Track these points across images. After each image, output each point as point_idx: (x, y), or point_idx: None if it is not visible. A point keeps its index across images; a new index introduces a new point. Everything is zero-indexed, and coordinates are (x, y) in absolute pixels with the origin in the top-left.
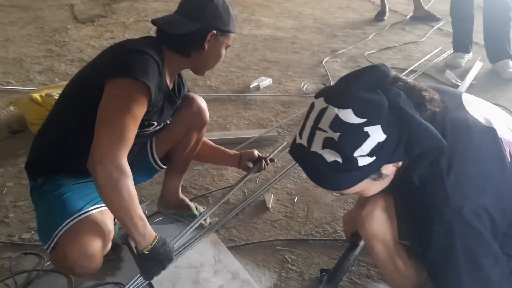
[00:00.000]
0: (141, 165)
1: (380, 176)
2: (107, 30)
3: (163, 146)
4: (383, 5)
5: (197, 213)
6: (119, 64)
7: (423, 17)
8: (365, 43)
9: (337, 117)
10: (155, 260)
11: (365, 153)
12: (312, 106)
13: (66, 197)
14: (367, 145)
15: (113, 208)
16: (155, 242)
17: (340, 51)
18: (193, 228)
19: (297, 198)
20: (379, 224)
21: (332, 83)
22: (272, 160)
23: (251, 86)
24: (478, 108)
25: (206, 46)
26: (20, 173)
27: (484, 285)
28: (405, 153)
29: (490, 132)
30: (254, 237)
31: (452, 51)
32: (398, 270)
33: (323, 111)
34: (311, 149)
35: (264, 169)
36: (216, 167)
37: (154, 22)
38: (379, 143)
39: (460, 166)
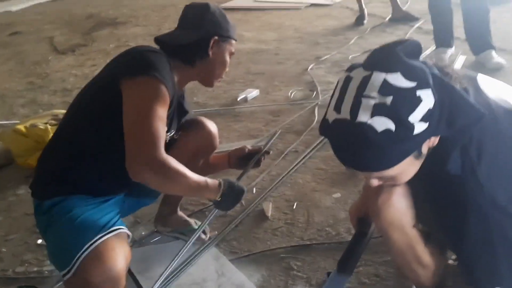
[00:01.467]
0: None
1: (420, 153)
2: (89, 58)
3: None
4: (361, 10)
5: (196, 227)
6: (135, 63)
7: (402, 18)
8: (348, 47)
9: (385, 81)
10: (228, 201)
11: (418, 119)
12: (348, 78)
13: (83, 220)
14: (420, 111)
15: (176, 192)
16: (221, 188)
17: (324, 57)
18: (193, 241)
19: (296, 204)
20: (397, 211)
21: (319, 88)
22: (267, 152)
23: (238, 99)
24: (495, 90)
25: (210, 53)
26: (10, 206)
27: None
28: (446, 125)
29: (511, 115)
30: (256, 247)
31: (435, 47)
32: (417, 258)
33: (366, 79)
34: (357, 120)
35: (260, 162)
36: None
37: (157, 39)
38: (429, 109)
39: (490, 153)
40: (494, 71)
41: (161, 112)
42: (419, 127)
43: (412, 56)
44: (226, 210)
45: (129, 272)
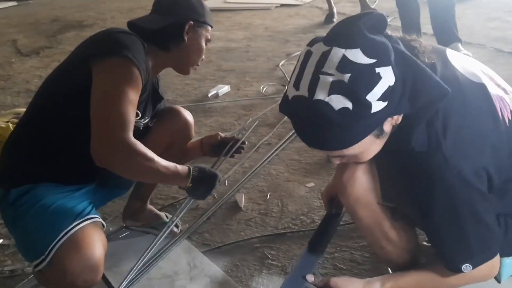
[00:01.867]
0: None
1: (382, 133)
2: (54, 60)
3: None
4: (330, 8)
5: (167, 220)
6: (106, 43)
7: None
8: None
9: (344, 57)
10: (201, 187)
11: (376, 98)
12: (308, 53)
13: (57, 207)
14: (379, 89)
15: (144, 179)
16: (191, 173)
17: (295, 54)
18: (164, 235)
19: (269, 195)
20: (362, 188)
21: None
22: (243, 143)
23: (209, 95)
24: (464, 64)
25: (185, 37)
26: None
27: (491, 240)
28: (409, 103)
29: (480, 88)
30: (229, 238)
31: None
32: (385, 234)
33: (326, 54)
34: (314, 98)
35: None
36: None
37: (130, 22)
38: (389, 86)
39: (456, 127)
40: None
41: (132, 95)
42: (377, 106)
43: (375, 30)
44: (202, 198)
45: None
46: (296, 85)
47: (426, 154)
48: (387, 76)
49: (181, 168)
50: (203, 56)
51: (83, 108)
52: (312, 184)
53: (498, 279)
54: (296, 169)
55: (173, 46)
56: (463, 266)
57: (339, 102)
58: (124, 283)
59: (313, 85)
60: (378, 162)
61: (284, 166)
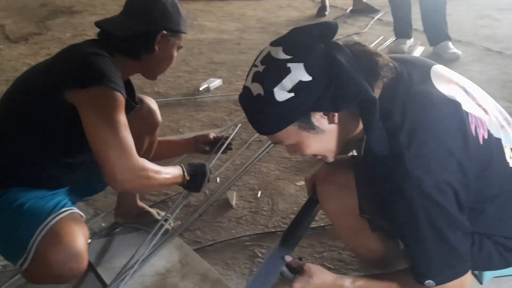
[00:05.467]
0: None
1: (313, 127)
2: (43, 47)
3: None
4: (323, 1)
5: (159, 217)
6: (82, 72)
7: (362, 9)
8: None
9: (268, 53)
10: (197, 178)
11: (286, 89)
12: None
13: (31, 205)
14: (288, 81)
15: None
16: (184, 171)
17: None
18: (157, 233)
19: (260, 193)
20: (337, 202)
21: None
22: (230, 144)
23: (200, 89)
24: (446, 82)
25: (156, 48)
26: None
27: (454, 258)
28: (331, 103)
29: (453, 105)
30: (220, 236)
31: (394, 38)
32: (364, 244)
33: (262, 51)
34: (245, 84)
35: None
36: None
37: (98, 24)
38: (301, 81)
39: (421, 141)
40: (450, 61)
41: (124, 119)
42: (282, 96)
43: (318, 37)
44: (199, 189)
45: (89, 264)
46: (246, 77)
47: (389, 165)
48: (297, 72)
49: (177, 168)
50: (173, 63)
51: (59, 132)
52: (302, 183)
53: (479, 280)
54: (286, 167)
55: (143, 55)
56: (426, 282)
57: (256, 89)
58: (117, 280)
59: (248, 75)
60: (357, 176)
61: (275, 164)
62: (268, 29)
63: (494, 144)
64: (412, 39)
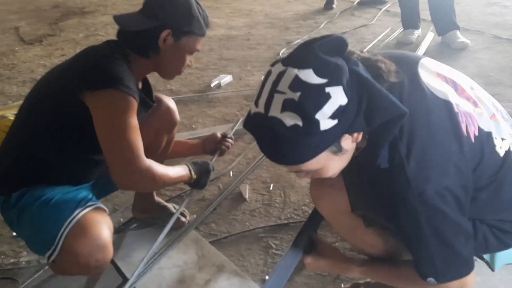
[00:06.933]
0: None
1: (340, 150)
2: (57, 48)
3: None
4: None
5: (175, 211)
6: (96, 75)
7: (370, 1)
8: (318, 31)
9: (297, 77)
10: (202, 176)
11: (327, 116)
12: (268, 73)
13: (58, 200)
14: (329, 107)
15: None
16: (191, 169)
17: (295, 42)
18: (172, 224)
19: (272, 185)
20: (331, 201)
21: None
22: (221, 154)
23: (212, 85)
24: (434, 77)
25: (160, 46)
26: None
27: (457, 261)
28: (365, 122)
29: (446, 106)
30: (235, 228)
31: (402, 29)
32: (361, 239)
33: (281, 74)
34: (269, 114)
35: (227, 148)
36: None
37: (114, 18)
38: (340, 106)
39: (420, 149)
40: (459, 50)
41: (134, 122)
42: (327, 124)
43: (333, 52)
44: (203, 187)
45: None
46: (256, 102)
47: (390, 175)
48: (337, 96)
49: (184, 168)
50: (188, 65)
51: (75, 134)
52: None
53: (491, 267)
54: None
55: (151, 53)
56: (428, 279)
57: (290, 119)
58: (136, 273)
59: (268, 103)
60: (345, 174)
61: None
62: (276, 24)
63: (484, 139)
64: (420, 30)
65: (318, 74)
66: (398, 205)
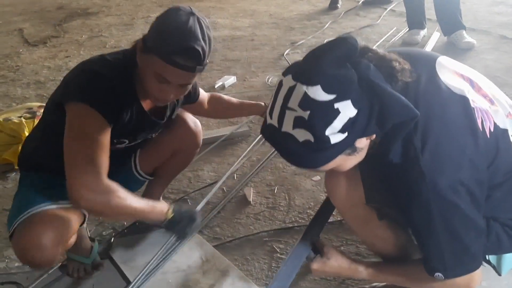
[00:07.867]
0: (127, 177)
1: (355, 150)
2: (61, 49)
3: (149, 162)
4: None
5: None
6: (72, 85)
7: (375, 1)
8: (323, 32)
9: (306, 95)
10: (182, 222)
11: (337, 130)
12: (280, 84)
13: (37, 188)
14: (338, 122)
15: (119, 219)
16: (170, 208)
17: (300, 42)
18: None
19: (277, 188)
20: (346, 193)
21: None
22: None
23: (216, 86)
24: (452, 74)
25: (138, 61)
26: None
27: (465, 257)
28: (377, 127)
29: (462, 101)
30: (239, 232)
31: (408, 29)
32: (373, 233)
33: (291, 90)
34: (282, 130)
35: None
36: (190, 169)
37: None
38: (350, 118)
39: (434, 143)
40: (465, 50)
41: (99, 138)
42: (337, 138)
43: (342, 61)
44: (185, 235)
45: (113, 263)
46: (270, 114)
47: (404, 168)
48: (346, 110)
49: (159, 205)
50: (160, 94)
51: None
52: (318, 178)
53: (498, 272)
54: None
55: (135, 68)
56: (435, 274)
57: (302, 135)
58: (140, 277)
59: (281, 118)
60: (362, 167)
61: None
62: (281, 24)
63: (500, 136)
64: (425, 30)
65: (326, 90)
66: (411, 197)
